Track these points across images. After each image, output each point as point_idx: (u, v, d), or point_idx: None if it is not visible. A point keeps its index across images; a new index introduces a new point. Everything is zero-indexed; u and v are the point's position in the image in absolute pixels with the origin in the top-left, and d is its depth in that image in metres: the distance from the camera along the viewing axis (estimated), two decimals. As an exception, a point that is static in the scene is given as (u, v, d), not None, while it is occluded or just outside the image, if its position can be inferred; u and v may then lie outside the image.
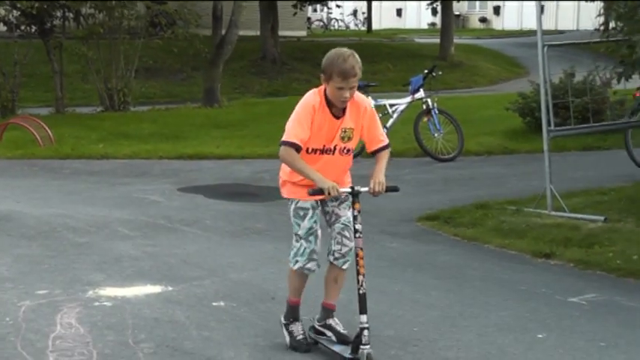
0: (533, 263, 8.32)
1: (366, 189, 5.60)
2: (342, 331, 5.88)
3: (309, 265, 5.84)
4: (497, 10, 58.90)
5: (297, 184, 5.75)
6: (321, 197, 5.61)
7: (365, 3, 53.10)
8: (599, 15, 10.02)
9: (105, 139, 17.31)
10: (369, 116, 5.76)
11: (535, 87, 15.21)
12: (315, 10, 55.30)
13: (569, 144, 14.67)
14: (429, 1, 39.65)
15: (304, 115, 5.60)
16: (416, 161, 14.57)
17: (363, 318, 5.42)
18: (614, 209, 9.82)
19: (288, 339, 5.97)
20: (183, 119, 20.49)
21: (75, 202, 11.37)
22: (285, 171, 5.87)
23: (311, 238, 5.79)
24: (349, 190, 5.61)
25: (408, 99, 14.90)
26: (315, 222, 5.79)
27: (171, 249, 8.80)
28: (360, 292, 5.45)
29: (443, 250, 8.85)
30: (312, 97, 5.67)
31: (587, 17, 34.09)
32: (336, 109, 5.64)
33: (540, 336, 6.22)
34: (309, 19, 49.81)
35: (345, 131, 5.68)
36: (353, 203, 5.58)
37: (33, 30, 22.63)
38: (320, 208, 5.84)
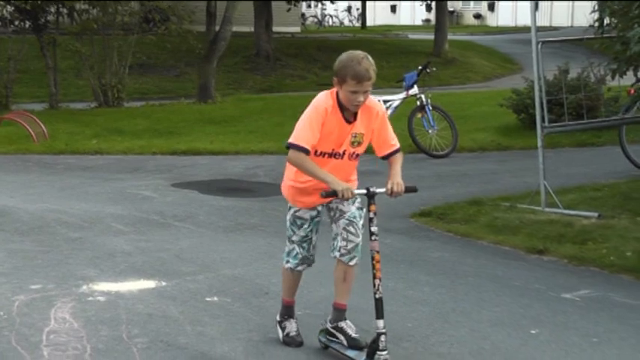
0: (527, 259, 8.33)
1: (382, 190, 5.45)
2: (353, 335, 5.67)
3: (299, 268, 5.87)
4: (491, 7, 58.95)
5: (303, 189, 5.65)
6: (334, 198, 5.49)
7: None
8: (594, 11, 10.03)
9: (99, 135, 17.30)
10: (380, 120, 5.61)
11: (529, 83, 15.22)
12: (309, 7, 55.30)
13: (563, 140, 14.70)
14: (423, -2, 39.72)
15: (315, 118, 5.44)
16: (409, 157, 14.55)
17: (380, 323, 5.27)
18: (607, 205, 9.84)
19: (280, 335, 5.97)
20: (177, 115, 20.48)
21: (68, 198, 11.36)
22: (290, 174, 5.75)
23: (304, 244, 5.79)
24: (364, 192, 5.43)
25: (402, 95, 14.91)
26: (310, 231, 5.78)
27: (165, 244, 8.80)
28: (377, 296, 5.31)
29: (436, 246, 8.85)
30: (324, 99, 5.50)
31: (581, 14, 34.07)
32: (348, 112, 5.49)
33: (533, 332, 6.22)
34: (303, 15, 49.81)
35: (355, 136, 5.53)
36: (369, 205, 5.41)
37: (27, 25, 22.60)
38: (324, 208, 5.77)
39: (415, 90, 14.78)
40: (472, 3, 60.48)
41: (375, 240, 5.36)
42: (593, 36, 10.25)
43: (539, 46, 10.00)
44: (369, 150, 5.78)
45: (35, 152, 15.64)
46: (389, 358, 5.20)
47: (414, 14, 61.87)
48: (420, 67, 15.07)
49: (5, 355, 5.65)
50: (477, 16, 59.64)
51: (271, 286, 7.28)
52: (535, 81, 10.27)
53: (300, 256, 5.81)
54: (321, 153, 5.53)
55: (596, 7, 10.01)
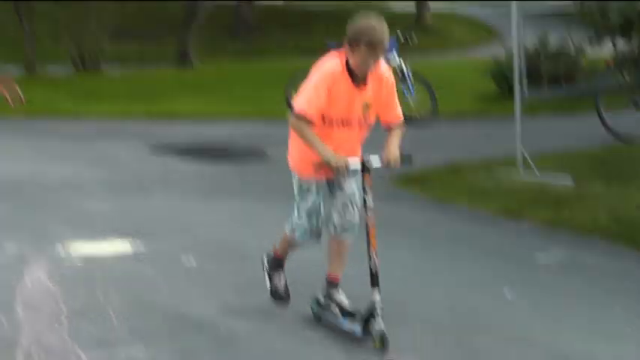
0: (503, 224, 8.38)
1: (378, 164, 5.33)
2: (348, 306, 5.56)
3: (302, 241, 5.72)
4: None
5: (306, 159, 5.40)
6: (327, 173, 5.35)
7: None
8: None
9: (76, 100, 17.18)
10: (389, 89, 5.44)
11: (509, 52, 15.23)
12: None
13: (542, 108, 14.73)
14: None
15: (321, 83, 5.23)
16: (389, 124, 14.57)
17: (376, 296, 5.21)
18: (583, 172, 9.89)
19: (268, 284, 5.94)
20: (156, 81, 20.38)
21: (46, 161, 11.30)
22: (294, 142, 5.52)
23: (313, 217, 5.54)
24: (359, 165, 5.31)
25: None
26: (319, 198, 5.53)
27: (142, 207, 8.80)
28: (372, 268, 5.25)
29: (414, 210, 8.89)
30: (332, 64, 5.29)
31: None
32: (357, 78, 5.28)
33: (508, 294, 6.28)
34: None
35: (366, 104, 5.35)
36: (363, 177, 5.31)
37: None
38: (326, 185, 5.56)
39: (395, 57, 14.73)
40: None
41: (371, 215, 5.26)
42: (573, 6, 10.27)
43: (520, 15, 10.01)
44: None
45: (11, 116, 15.52)
46: (384, 329, 5.10)
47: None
48: (399, 32, 15.00)
49: (-20, 315, 5.65)
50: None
51: (248, 250, 7.29)
52: (515, 50, 10.29)
53: (306, 227, 5.59)
54: (329, 121, 5.31)
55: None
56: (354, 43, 5.18)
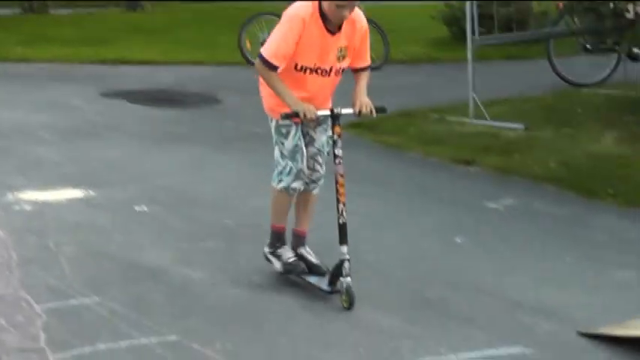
0: (454, 170, 8.45)
1: (349, 111, 5.21)
2: (314, 261, 5.47)
3: (294, 185, 5.37)
4: None
5: (280, 101, 5.23)
6: (295, 121, 5.19)
7: None
8: None
9: (24, 43, 16.88)
10: (363, 35, 5.30)
11: (460, -4, 15.22)
12: None
13: (493, 53, 14.76)
14: None
15: (289, 29, 5.07)
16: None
17: (344, 249, 5.11)
18: (534, 117, 9.98)
19: (278, 265, 5.51)
20: (106, 24, 20.06)
21: (-6, 106, 11.15)
22: (265, 85, 5.36)
23: (297, 156, 5.32)
24: (328, 112, 5.19)
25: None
26: (299, 139, 5.32)
27: (94, 154, 8.73)
28: (340, 221, 5.15)
29: (366, 157, 8.92)
30: (301, 8, 5.12)
31: None
32: (331, 24, 5.12)
33: (459, 240, 6.36)
34: None
35: (340, 50, 5.19)
36: (333, 126, 5.18)
37: None
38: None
39: None
40: None
41: (340, 163, 5.17)
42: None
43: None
44: None
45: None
46: (352, 285, 5.04)
47: None
48: None
49: None
50: None
51: (201, 196, 7.30)
52: (466, -7, 10.28)
53: (294, 170, 5.32)
54: (302, 67, 5.18)
55: None
56: None
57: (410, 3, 23.36)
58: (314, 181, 5.49)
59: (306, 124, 5.33)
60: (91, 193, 7.35)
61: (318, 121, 5.31)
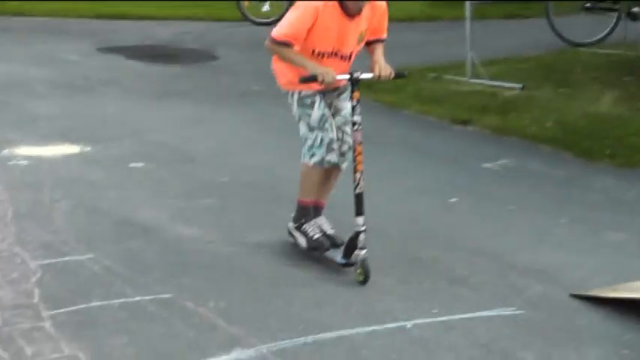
0: (451, 129, 8.44)
1: (369, 75, 5.03)
2: (330, 231, 5.25)
3: (329, 157, 5.09)
4: None
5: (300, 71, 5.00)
6: (315, 85, 4.97)
7: None
8: None
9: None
10: (382, 13, 5.18)
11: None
12: None
13: (492, 12, 14.68)
14: None
15: (301, 15, 4.91)
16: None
17: (360, 220, 4.91)
18: (532, 77, 9.95)
19: (302, 241, 5.27)
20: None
21: (-10, 60, 11.10)
22: (279, 61, 5.15)
23: (326, 125, 5.06)
24: (347, 76, 4.96)
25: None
26: (325, 108, 5.09)
27: (90, 109, 8.71)
28: (357, 191, 4.93)
29: (363, 115, 8.86)
30: None
31: None
32: (349, 9, 4.95)
33: (453, 200, 6.37)
34: None
35: (360, 34, 5.04)
36: (352, 91, 4.94)
37: None
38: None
39: None
40: None
41: (357, 130, 4.95)
42: None
43: None
44: None
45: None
46: (367, 258, 4.88)
47: None
48: None
49: None
50: None
51: (197, 154, 7.29)
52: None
53: (325, 140, 5.05)
54: (319, 53, 4.99)
55: None
56: None
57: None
58: (342, 154, 5.16)
59: (329, 94, 5.14)
60: (87, 148, 7.34)
61: (338, 86, 5.12)
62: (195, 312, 4.50)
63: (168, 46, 12.65)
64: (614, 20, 11.93)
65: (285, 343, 4.19)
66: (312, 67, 4.89)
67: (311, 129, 5.10)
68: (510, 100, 9.08)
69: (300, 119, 5.16)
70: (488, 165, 7.22)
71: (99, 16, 14.99)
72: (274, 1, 13.98)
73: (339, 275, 5.01)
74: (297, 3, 4.99)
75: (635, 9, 11.27)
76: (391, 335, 4.31)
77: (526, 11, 14.78)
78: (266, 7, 13.89)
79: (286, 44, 4.93)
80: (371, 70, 5.10)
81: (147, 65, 11.20)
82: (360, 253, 4.89)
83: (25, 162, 6.90)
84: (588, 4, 12.08)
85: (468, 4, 10.11)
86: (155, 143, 7.57)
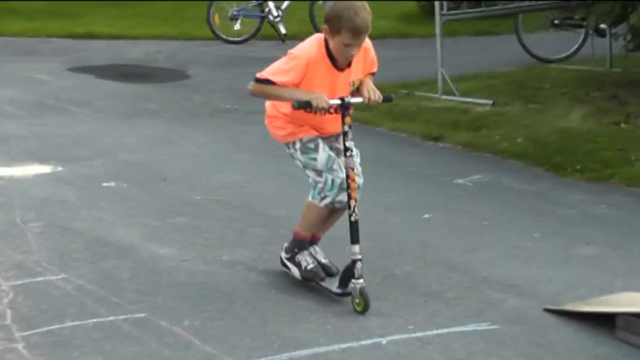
0: (423, 146, 8.48)
1: (359, 99, 4.90)
2: (323, 261, 5.16)
3: (339, 198, 4.92)
4: None
5: (293, 118, 4.94)
6: (314, 130, 4.92)
7: None
8: None
9: (-9, 16, 16.72)
10: (372, 58, 5.09)
11: (430, -29, 15.19)
12: None
13: (462, 28, 14.78)
14: None
15: (290, 69, 4.80)
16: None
17: (356, 248, 4.79)
18: (502, 93, 10.02)
19: (296, 272, 5.13)
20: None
21: (-41, 81, 11.04)
22: (274, 110, 5.03)
23: (334, 166, 4.92)
24: (339, 101, 4.81)
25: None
26: (330, 149, 4.97)
27: (61, 129, 8.67)
28: (352, 219, 4.82)
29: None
30: (308, 50, 4.84)
31: None
32: (339, 62, 4.86)
33: (427, 216, 6.38)
34: None
35: (353, 84, 4.93)
36: (343, 117, 4.81)
37: None
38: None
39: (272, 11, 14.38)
40: None
41: (351, 156, 4.83)
42: None
43: None
44: None
45: None
46: (365, 287, 4.75)
47: None
48: None
49: None
50: None
51: (170, 172, 7.27)
52: (435, -32, 10.28)
53: (337, 181, 4.89)
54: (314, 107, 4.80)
55: None
56: (334, 29, 4.75)
57: (379, -23, 23.27)
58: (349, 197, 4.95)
59: (327, 139, 5.02)
60: (59, 168, 7.31)
61: (337, 132, 4.94)
62: (170, 331, 4.48)
63: (140, 65, 12.63)
64: (582, 36, 12.05)
65: (261, 361, 4.18)
66: (303, 94, 4.76)
67: (319, 173, 4.97)
68: (481, 117, 9.13)
69: (305, 167, 5.02)
70: (460, 181, 7.26)
71: (70, 36, 14.97)
72: (246, 19, 14.02)
73: (313, 293, 5.00)
74: (288, 56, 4.87)
75: (602, 25, 11.37)
76: (367, 352, 4.31)
77: (496, 28, 14.89)
78: (237, 26, 13.91)
79: (269, 82, 4.80)
80: (360, 94, 4.97)
81: (118, 84, 11.18)
82: (358, 282, 4.76)
83: (-4, 182, 6.87)
84: (556, 21, 12.19)
85: (438, 21, 10.17)
86: (127, 162, 7.55)
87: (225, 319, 4.64)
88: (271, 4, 14.11)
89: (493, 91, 10.11)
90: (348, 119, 4.85)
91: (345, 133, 4.85)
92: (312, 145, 4.97)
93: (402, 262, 5.48)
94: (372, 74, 5.18)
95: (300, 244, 5.17)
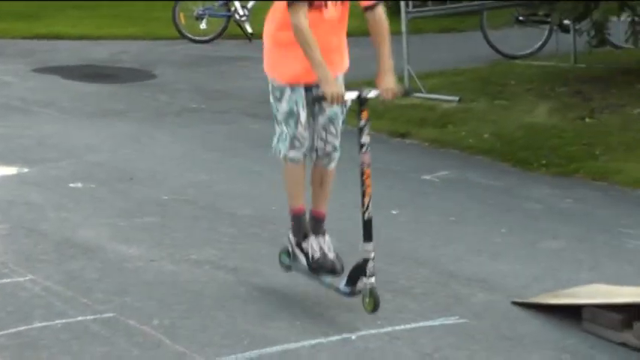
0: (390, 143, 8.50)
1: (375, 93, 4.82)
2: (330, 255, 4.94)
3: (292, 155, 4.82)
4: None
5: (284, 46, 4.74)
6: (294, 77, 4.76)
7: None
8: None
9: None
10: None
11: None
12: None
13: (427, 26, 14.81)
14: None
15: None
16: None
17: (368, 246, 4.70)
18: (468, 89, 10.06)
19: (304, 261, 4.93)
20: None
21: None
22: (270, 39, 4.88)
23: (290, 121, 4.78)
24: (355, 96, 4.70)
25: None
26: (295, 103, 4.79)
27: (26, 130, 8.61)
28: (365, 217, 4.75)
29: (302, 130, 8.91)
30: None
31: None
32: None
33: (394, 212, 6.41)
34: None
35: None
36: (360, 111, 4.69)
37: None
38: (303, 91, 4.84)
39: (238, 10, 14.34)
40: None
41: (366, 152, 4.75)
42: None
43: None
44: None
45: None
46: (376, 287, 4.63)
47: None
48: None
49: None
50: None
51: (136, 172, 7.25)
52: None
53: (288, 136, 4.77)
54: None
55: None
56: None
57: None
58: (327, 155, 4.99)
59: (317, 90, 4.73)
60: (24, 170, 7.27)
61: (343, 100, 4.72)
62: (139, 330, 4.47)
63: (106, 65, 12.56)
64: (547, 32, 12.12)
65: (230, 359, 4.18)
66: (325, 78, 4.59)
67: (278, 122, 4.85)
68: (448, 113, 9.18)
69: (272, 107, 4.89)
70: (427, 177, 7.29)
71: (35, 37, 14.85)
72: (212, 19, 13.98)
73: (282, 289, 5.02)
74: None
75: (566, 21, 11.45)
76: (336, 347, 4.33)
77: (461, 25, 14.94)
78: (203, 25, 13.87)
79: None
80: (376, 83, 4.91)
81: (84, 85, 11.12)
82: (369, 282, 4.62)
83: (-39, 185, 6.81)
84: (521, 17, 12.27)
85: (403, 18, 10.21)
86: (94, 163, 7.51)
87: (194, 318, 4.63)
88: (237, 4, 14.07)
89: (459, 87, 10.16)
90: (364, 113, 4.70)
91: (361, 128, 4.70)
92: (277, 93, 4.82)
93: (370, 259, 5.48)
94: (374, 7, 5.02)
95: (296, 220, 4.98)
